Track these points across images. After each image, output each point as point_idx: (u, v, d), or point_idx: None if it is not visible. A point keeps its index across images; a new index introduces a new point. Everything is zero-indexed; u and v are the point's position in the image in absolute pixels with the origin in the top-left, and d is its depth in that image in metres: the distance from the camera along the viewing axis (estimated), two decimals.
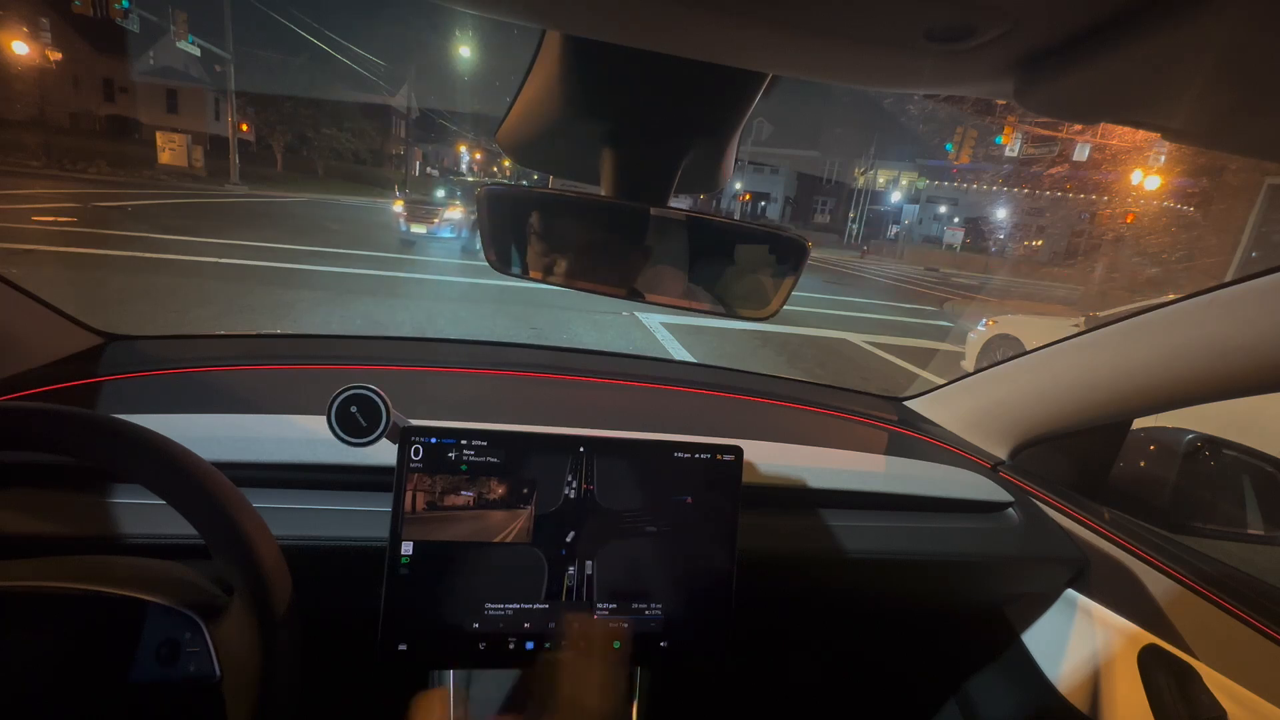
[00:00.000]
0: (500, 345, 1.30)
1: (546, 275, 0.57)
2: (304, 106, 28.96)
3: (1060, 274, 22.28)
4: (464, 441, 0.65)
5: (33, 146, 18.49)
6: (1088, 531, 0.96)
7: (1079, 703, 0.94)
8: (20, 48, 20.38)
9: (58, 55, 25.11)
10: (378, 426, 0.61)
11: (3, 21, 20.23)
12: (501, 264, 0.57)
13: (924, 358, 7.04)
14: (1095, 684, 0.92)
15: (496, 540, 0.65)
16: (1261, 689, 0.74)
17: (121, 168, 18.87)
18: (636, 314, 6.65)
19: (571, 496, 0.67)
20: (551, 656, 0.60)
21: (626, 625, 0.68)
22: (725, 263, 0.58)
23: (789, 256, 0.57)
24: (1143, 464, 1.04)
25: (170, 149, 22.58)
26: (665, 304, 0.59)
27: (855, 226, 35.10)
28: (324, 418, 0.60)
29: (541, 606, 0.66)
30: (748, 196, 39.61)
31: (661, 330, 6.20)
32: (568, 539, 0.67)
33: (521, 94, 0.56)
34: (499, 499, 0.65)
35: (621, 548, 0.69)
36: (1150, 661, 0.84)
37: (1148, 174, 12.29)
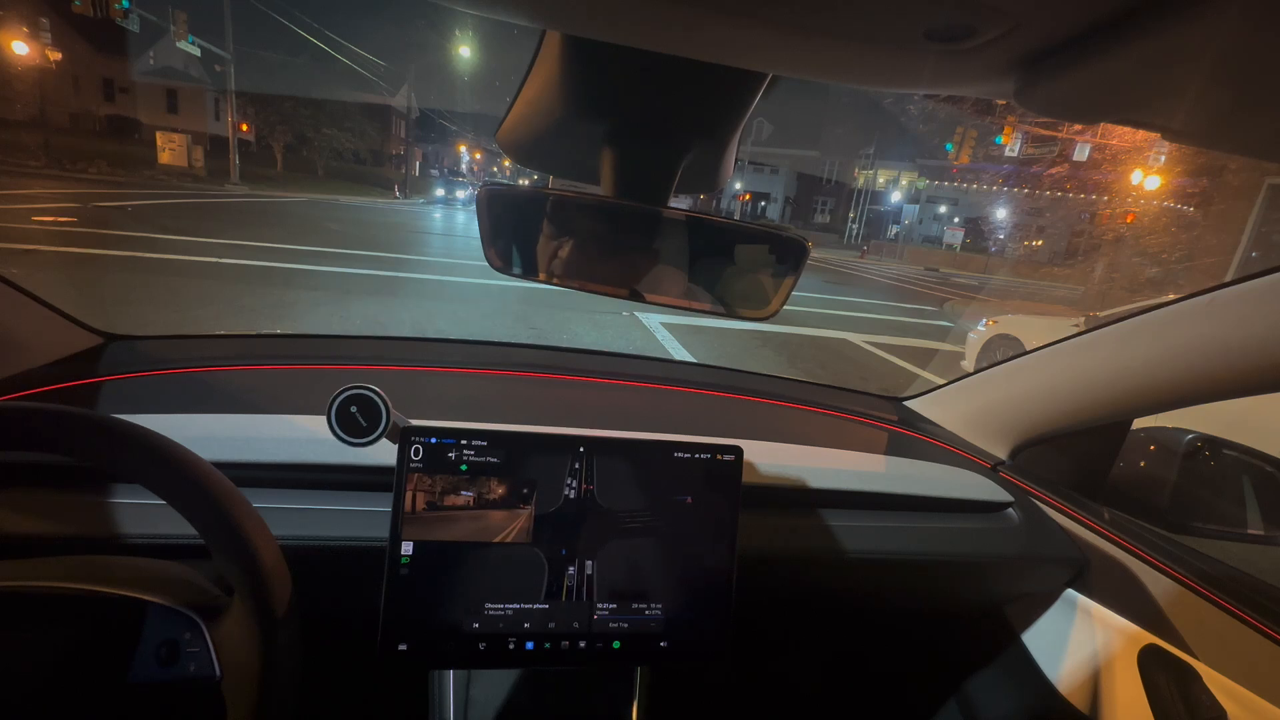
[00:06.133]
0: (500, 345, 1.30)
1: (546, 275, 0.57)
2: (304, 106, 28.89)
3: (1060, 274, 22.26)
4: (464, 441, 0.65)
5: (33, 146, 18.44)
6: (1088, 531, 0.96)
7: (1079, 703, 0.94)
8: (20, 48, 20.35)
9: (58, 55, 25.07)
10: (378, 426, 0.61)
11: (3, 21, 20.22)
12: (501, 264, 0.57)
13: (924, 358, 7.03)
14: (1095, 684, 0.92)
15: (496, 540, 0.65)
16: (1261, 689, 0.74)
17: (121, 168, 18.82)
18: (636, 314, 6.65)
19: (571, 496, 0.67)
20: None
21: (626, 625, 0.68)
22: (725, 263, 0.58)
23: (789, 256, 0.57)
24: (1143, 464, 1.03)
25: (170, 149, 22.56)
26: (665, 304, 0.59)
27: (855, 226, 35.14)
28: (324, 418, 0.60)
29: (541, 606, 0.66)
30: (748, 196, 39.61)
31: (661, 330, 6.19)
32: (568, 539, 0.67)
33: (521, 94, 0.55)
34: (499, 499, 0.65)
35: (621, 548, 0.69)
36: (1150, 661, 0.84)
37: (1148, 174, 12.27)
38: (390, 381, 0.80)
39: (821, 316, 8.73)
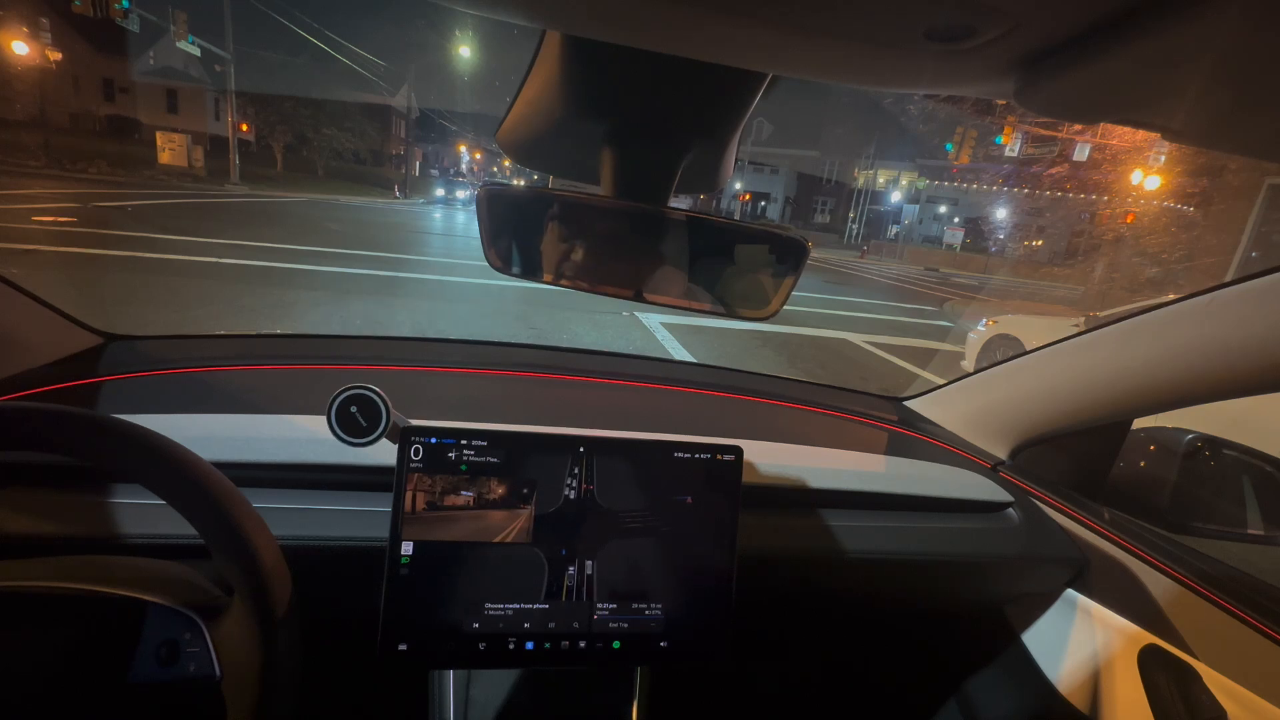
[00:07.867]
0: (500, 345, 1.30)
1: (546, 275, 0.57)
2: (304, 106, 28.86)
3: (1060, 274, 22.26)
4: (464, 441, 0.65)
5: (33, 146, 18.44)
6: (1088, 531, 0.96)
7: (1079, 703, 0.94)
8: (20, 48, 20.36)
9: (58, 55, 25.07)
10: (378, 426, 0.61)
11: (3, 21, 20.23)
12: (501, 264, 0.57)
13: (924, 358, 7.03)
14: (1095, 684, 0.92)
15: (496, 540, 0.65)
16: (1261, 689, 0.74)
17: (122, 168, 18.81)
18: (637, 314, 6.65)
19: (571, 496, 0.67)
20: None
21: (626, 625, 0.68)
22: (725, 263, 0.58)
23: (789, 256, 0.57)
24: (1143, 464, 1.03)
25: (170, 149, 22.56)
26: (665, 304, 0.59)
27: (855, 226, 35.16)
28: (324, 418, 0.60)
29: (541, 606, 0.66)
30: (748, 196, 39.61)
31: (661, 330, 6.19)
32: (568, 539, 0.67)
33: (521, 94, 0.56)
34: (499, 499, 0.65)
35: (621, 548, 0.69)
36: (1150, 661, 0.84)
37: (1148, 174, 12.28)
38: (390, 381, 0.80)
39: (821, 316, 8.73)
